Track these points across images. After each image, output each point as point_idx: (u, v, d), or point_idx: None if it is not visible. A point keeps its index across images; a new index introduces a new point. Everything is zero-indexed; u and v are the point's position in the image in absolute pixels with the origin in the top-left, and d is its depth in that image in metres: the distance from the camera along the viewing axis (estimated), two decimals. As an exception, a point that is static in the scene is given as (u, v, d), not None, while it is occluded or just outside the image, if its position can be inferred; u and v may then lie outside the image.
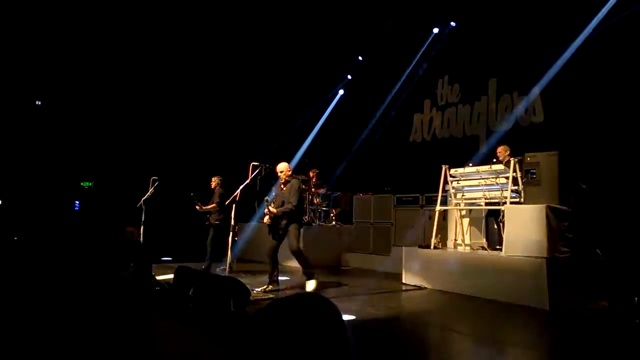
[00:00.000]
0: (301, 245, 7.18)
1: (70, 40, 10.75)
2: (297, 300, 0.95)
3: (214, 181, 8.76)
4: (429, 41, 11.41)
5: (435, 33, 11.30)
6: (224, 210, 8.43)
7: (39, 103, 11.65)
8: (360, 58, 12.79)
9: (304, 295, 0.97)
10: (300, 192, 6.71)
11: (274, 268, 6.64)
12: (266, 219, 6.69)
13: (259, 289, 6.44)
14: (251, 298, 5.21)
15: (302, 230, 6.85)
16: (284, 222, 6.50)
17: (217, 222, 8.43)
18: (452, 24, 10.88)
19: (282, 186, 6.74)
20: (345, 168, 12.33)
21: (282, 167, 6.74)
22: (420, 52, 11.53)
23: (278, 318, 0.91)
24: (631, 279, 5.47)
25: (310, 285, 6.51)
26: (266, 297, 6.12)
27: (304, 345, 0.86)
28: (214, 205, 8.47)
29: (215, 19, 11.37)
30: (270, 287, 6.55)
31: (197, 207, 8.42)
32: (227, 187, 8.70)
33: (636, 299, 4.21)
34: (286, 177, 6.72)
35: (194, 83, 12.37)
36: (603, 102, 7.83)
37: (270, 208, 6.52)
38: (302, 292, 1.08)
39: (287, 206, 6.45)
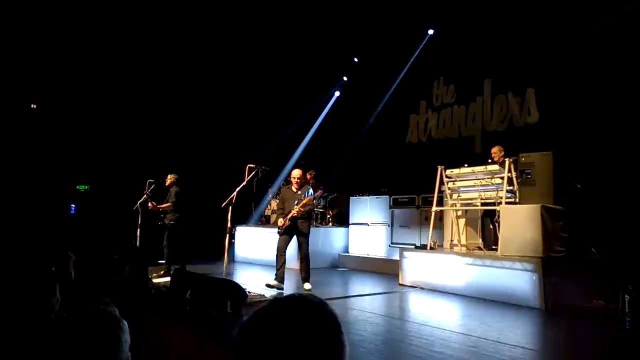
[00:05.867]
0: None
1: (65, 44, 10.72)
2: (291, 301, 0.96)
3: (169, 179, 8.49)
4: (424, 42, 11.43)
5: (431, 34, 11.32)
6: (179, 210, 8.30)
7: (34, 106, 11.62)
8: (355, 60, 12.80)
9: (299, 297, 0.97)
10: None
11: (282, 265, 6.89)
12: (280, 221, 6.95)
13: (257, 292, 6.44)
14: (248, 300, 5.22)
15: None
16: (302, 223, 6.86)
17: (172, 222, 8.22)
18: (446, 25, 10.90)
19: (296, 189, 7.05)
20: (341, 169, 12.33)
21: (299, 174, 7.18)
22: (416, 53, 11.55)
23: (272, 319, 0.91)
24: (626, 278, 5.50)
25: (309, 286, 6.89)
26: (263, 299, 6.13)
27: (299, 346, 0.87)
28: (168, 204, 8.25)
29: (211, 21, 11.37)
30: (276, 282, 6.83)
31: (149, 205, 8.19)
32: (183, 186, 8.56)
33: (626, 296, 4.23)
34: (301, 182, 7.18)
35: (190, 85, 12.36)
36: (597, 102, 7.87)
37: (297, 207, 6.75)
38: (297, 293, 1.08)
39: (310, 207, 7.04)
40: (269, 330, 0.88)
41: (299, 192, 6.96)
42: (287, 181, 9.61)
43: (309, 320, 0.90)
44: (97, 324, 1.37)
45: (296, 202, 6.81)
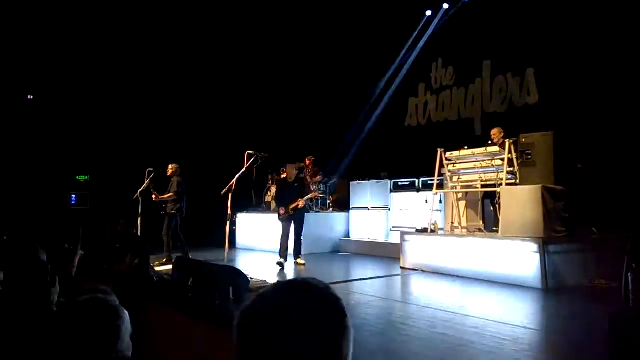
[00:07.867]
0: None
1: (62, 33, 10.60)
2: (295, 285, 0.95)
3: (171, 169, 8.46)
4: (422, 24, 11.30)
5: (428, 16, 11.19)
6: (180, 200, 8.31)
7: (31, 97, 11.53)
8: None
9: (302, 280, 0.96)
10: None
11: (287, 246, 7.86)
12: (282, 209, 7.90)
13: (259, 278, 6.46)
14: (250, 286, 5.23)
15: None
16: (300, 210, 7.94)
17: (173, 212, 8.21)
18: (445, 5, 10.77)
19: (293, 183, 8.16)
20: (341, 154, 12.28)
21: (293, 169, 8.32)
22: (414, 35, 11.42)
23: (275, 302, 0.90)
24: (629, 256, 5.50)
25: (302, 260, 7.96)
26: (265, 284, 6.14)
27: (302, 329, 0.86)
28: (171, 194, 8.23)
29: (204, 10, 11.25)
30: (282, 260, 7.73)
31: (153, 196, 8.19)
32: (185, 176, 8.55)
33: (629, 275, 4.23)
34: (297, 176, 8.37)
35: (187, 73, 12.25)
36: (597, 82, 7.80)
37: (302, 201, 7.85)
38: (300, 277, 1.08)
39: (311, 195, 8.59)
40: (272, 314, 0.87)
41: (296, 185, 8.18)
42: (279, 172, 10.57)
43: (313, 303, 0.89)
44: (95, 314, 1.37)
45: (295, 193, 7.90)
